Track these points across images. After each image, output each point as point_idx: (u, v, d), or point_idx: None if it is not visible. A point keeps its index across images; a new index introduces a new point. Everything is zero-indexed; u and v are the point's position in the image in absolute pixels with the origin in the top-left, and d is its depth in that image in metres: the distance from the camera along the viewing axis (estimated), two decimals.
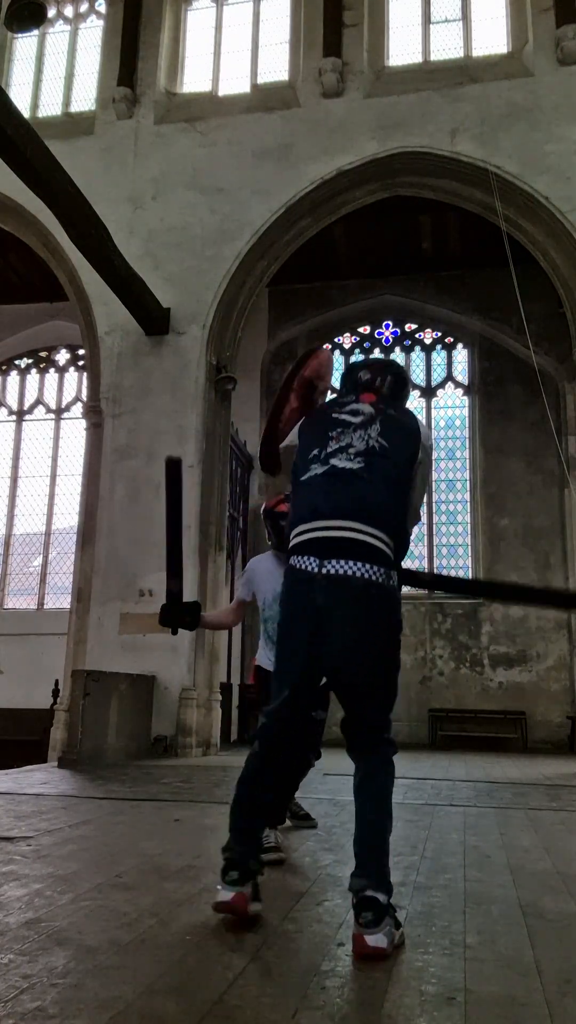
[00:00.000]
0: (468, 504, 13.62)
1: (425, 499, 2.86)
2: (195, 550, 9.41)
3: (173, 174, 10.63)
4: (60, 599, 13.58)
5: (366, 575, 2.27)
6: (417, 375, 14.18)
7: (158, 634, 9.04)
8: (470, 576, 13.33)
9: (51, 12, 11.34)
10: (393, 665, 2.39)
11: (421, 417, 2.55)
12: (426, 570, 13.41)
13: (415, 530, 2.63)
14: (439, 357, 14.38)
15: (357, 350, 14.51)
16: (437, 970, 1.99)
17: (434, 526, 13.62)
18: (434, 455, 2.58)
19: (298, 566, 2.35)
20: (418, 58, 10.76)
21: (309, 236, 10.75)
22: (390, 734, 2.40)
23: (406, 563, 2.43)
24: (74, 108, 11.69)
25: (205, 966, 1.98)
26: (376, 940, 2.06)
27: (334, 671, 2.36)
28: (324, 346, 3.27)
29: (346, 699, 2.38)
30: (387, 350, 14.38)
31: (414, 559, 13.02)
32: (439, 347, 14.38)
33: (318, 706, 2.53)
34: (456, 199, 10.41)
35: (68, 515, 14.13)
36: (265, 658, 3.65)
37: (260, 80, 11.16)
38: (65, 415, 15.02)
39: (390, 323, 14.47)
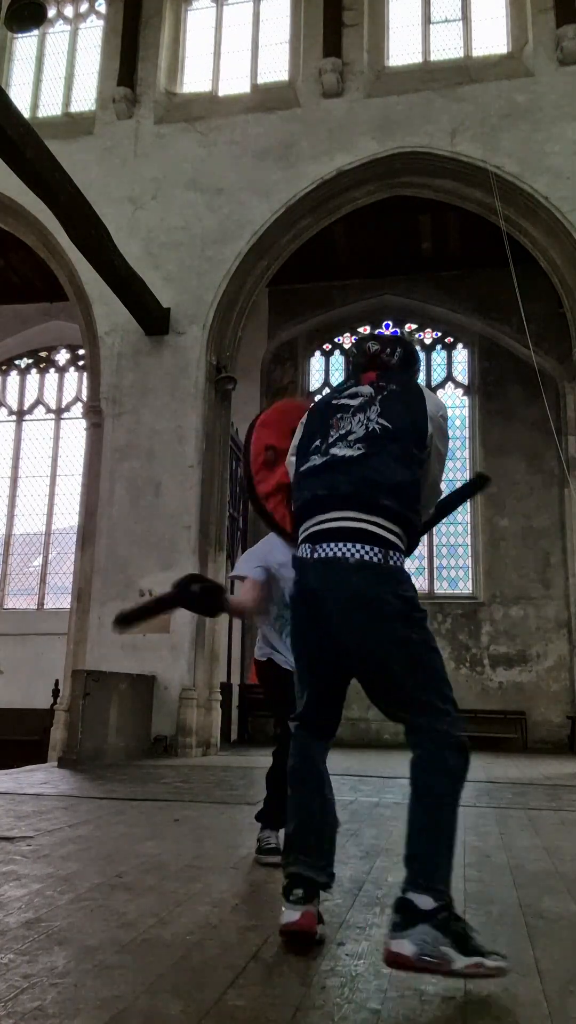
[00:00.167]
0: (468, 504, 13.60)
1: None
2: (195, 550, 9.40)
3: (173, 174, 10.63)
4: (60, 599, 13.58)
5: (359, 555, 2.19)
6: None
7: (158, 634, 9.06)
8: (470, 576, 13.36)
9: (51, 12, 11.35)
10: (412, 640, 2.15)
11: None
12: (426, 571, 13.43)
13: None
14: (439, 357, 14.38)
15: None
16: None
17: (434, 526, 13.60)
18: (449, 427, 2.50)
19: (297, 555, 2.36)
20: (418, 58, 10.76)
21: (309, 236, 10.75)
22: (448, 716, 2.09)
23: (406, 563, 2.39)
24: (74, 108, 11.68)
25: (205, 966, 1.98)
26: (399, 946, 1.86)
27: (347, 655, 2.24)
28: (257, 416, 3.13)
29: (368, 680, 2.23)
30: None
31: (414, 559, 13.00)
32: (439, 347, 14.37)
33: (340, 704, 2.40)
34: (456, 199, 10.40)
35: (68, 515, 14.13)
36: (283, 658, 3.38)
37: (260, 80, 11.15)
38: (65, 415, 15.01)
39: (390, 323, 14.46)
